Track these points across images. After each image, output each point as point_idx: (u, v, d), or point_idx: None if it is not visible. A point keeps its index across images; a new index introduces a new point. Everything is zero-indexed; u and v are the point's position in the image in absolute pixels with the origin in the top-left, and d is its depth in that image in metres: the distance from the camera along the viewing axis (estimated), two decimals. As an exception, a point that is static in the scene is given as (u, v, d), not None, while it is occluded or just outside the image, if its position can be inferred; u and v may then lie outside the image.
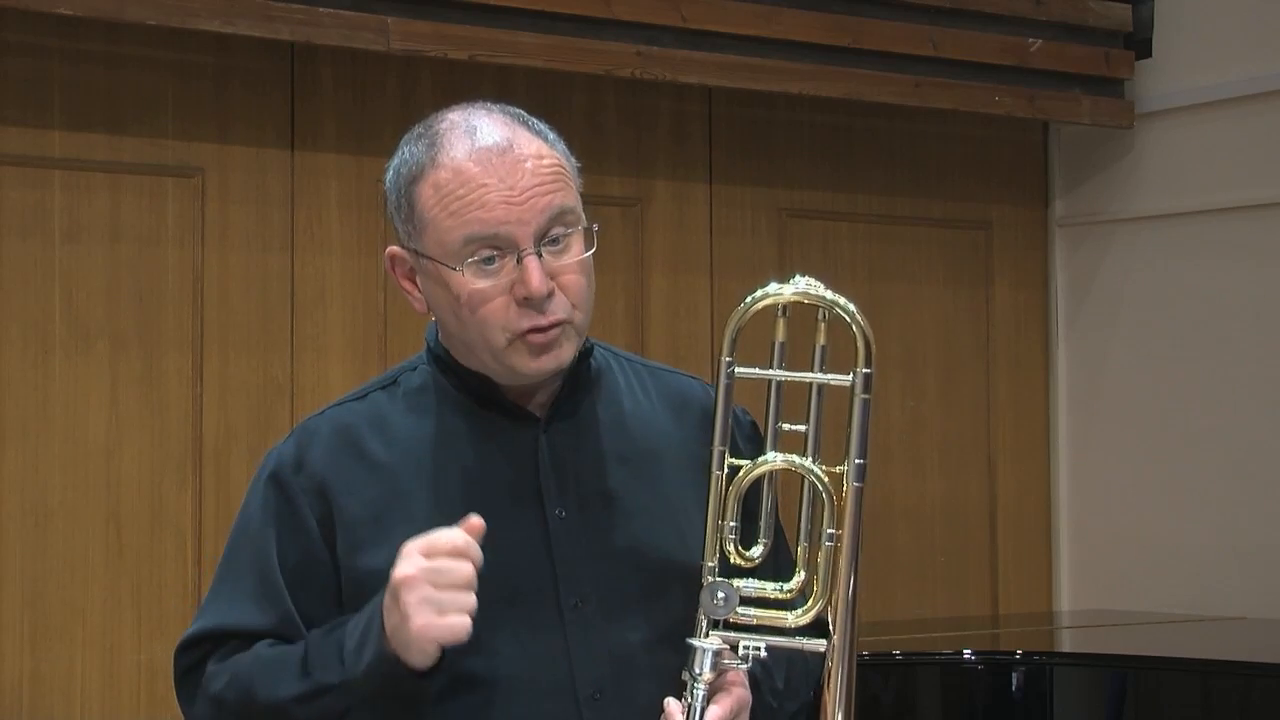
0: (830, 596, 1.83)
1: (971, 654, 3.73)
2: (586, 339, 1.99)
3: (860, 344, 1.82)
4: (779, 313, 1.84)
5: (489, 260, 1.84)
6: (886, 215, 5.04)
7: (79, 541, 3.90)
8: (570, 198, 1.88)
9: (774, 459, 1.84)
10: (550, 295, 1.85)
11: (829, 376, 1.84)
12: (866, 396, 1.82)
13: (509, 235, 1.84)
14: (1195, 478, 4.90)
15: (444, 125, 1.89)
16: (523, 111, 1.94)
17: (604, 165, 4.51)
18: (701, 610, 1.81)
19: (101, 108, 3.97)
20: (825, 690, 1.84)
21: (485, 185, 1.84)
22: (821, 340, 1.85)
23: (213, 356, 4.06)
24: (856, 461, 1.82)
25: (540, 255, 1.84)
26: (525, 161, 1.85)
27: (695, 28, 4.35)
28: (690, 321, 4.71)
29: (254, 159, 4.14)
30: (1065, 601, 5.22)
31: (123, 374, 3.96)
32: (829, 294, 1.83)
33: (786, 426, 1.86)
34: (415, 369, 1.99)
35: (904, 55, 4.67)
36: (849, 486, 1.82)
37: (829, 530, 1.83)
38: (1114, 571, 5.11)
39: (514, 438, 1.92)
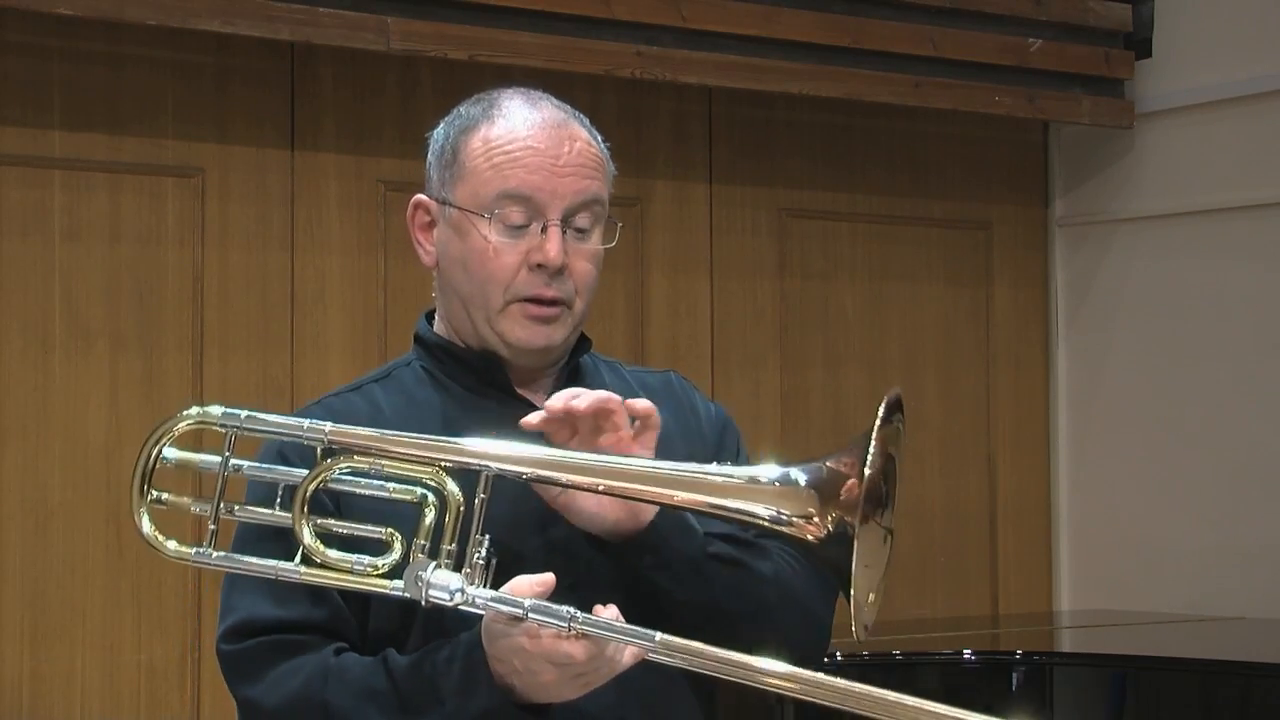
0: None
1: (971, 654, 3.73)
2: (588, 342, 2.01)
3: None
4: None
5: (516, 226, 1.90)
6: (886, 215, 5.04)
7: (79, 541, 3.89)
8: (604, 191, 1.96)
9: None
10: (562, 273, 1.90)
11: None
12: None
13: (542, 202, 1.90)
14: (1195, 478, 4.90)
15: (505, 94, 1.98)
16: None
17: (604, 165, 4.50)
18: (426, 601, 1.73)
19: (101, 108, 3.97)
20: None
21: (533, 149, 1.91)
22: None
23: (213, 356, 4.06)
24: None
25: (564, 232, 1.90)
26: (576, 142, 1.94)
27: (695, 28, 4.35)
28: (690, 321, 4.71)
29: (254, 159, 4.14)
30: (1065, 601, 5.21)
31: (123, 374, 3.96)
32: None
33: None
34: (409, 364, 2.00)
35: (904, 55, 4.67)
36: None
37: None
38: (1114, 571, 5.11)
39: (512, 425, 1.89)
